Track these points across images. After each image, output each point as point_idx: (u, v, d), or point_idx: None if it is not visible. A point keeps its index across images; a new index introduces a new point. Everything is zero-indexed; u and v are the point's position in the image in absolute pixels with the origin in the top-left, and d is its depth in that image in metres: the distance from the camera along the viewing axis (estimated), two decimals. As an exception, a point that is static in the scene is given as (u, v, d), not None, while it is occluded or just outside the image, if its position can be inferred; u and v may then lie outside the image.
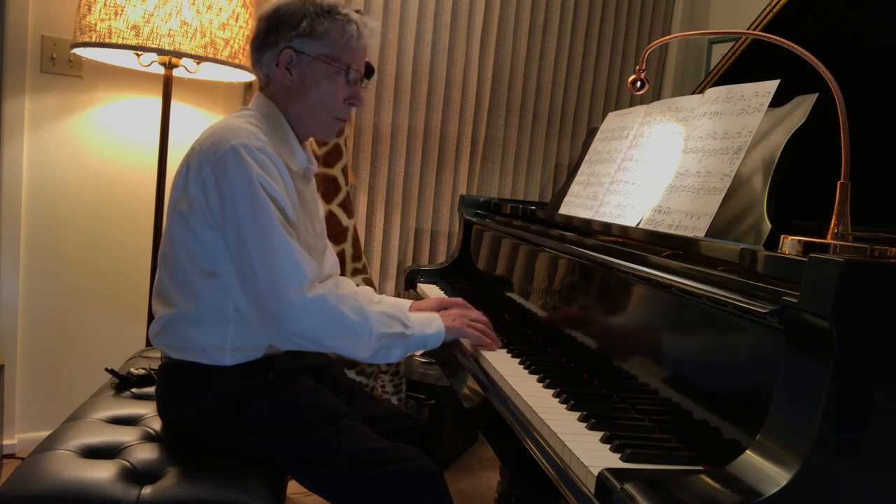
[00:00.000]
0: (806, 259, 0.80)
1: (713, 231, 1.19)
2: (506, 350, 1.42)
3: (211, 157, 1.23)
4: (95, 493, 1.14)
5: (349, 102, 1.40)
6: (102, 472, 1.18)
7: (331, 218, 2.13)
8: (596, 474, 0.85)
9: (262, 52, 1.37)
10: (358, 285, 1.68)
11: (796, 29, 1.56)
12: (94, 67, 2.32)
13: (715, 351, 0.98)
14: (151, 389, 1.53)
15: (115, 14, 1.93)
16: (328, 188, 2.14)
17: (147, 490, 1.16)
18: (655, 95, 3.24)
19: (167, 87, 2.18)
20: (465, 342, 1.49)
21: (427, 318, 1.39)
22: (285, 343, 1.26)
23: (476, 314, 1.47)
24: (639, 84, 1.32)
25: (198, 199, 1.24)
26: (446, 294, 1.97)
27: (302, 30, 1.34)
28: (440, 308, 1.56)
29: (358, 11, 1.42)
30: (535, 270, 1.63)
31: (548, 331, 1.52)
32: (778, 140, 1.18)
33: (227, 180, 1.22)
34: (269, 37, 1.36)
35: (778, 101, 1.23)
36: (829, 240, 0.93)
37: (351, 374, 2.16)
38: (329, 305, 1.24)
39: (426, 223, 2.90)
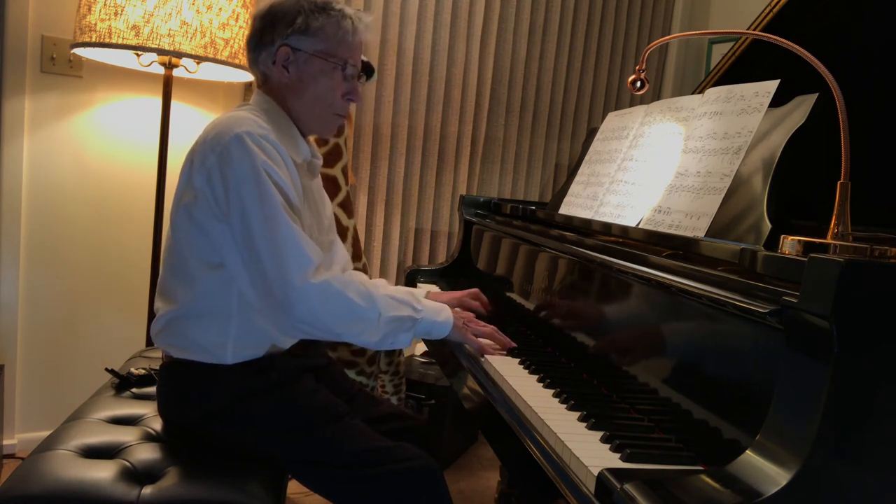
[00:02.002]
0: (806, 259, 0.80)
1: (713, 231, 1.19)
2: (506, 350, 1.42)
3: (215, 146, 1.23)
4: (95, 493, 1.14)
5: (347, 98, 1.40)
6: (102, 472, 1.18)
7: (331, 218, 2.13)
8: (596, 474, 0.85)
9: (259, 51, 1.38)
10: None
11: (796, 29, 1.56)
12: (94, 67, 2.32)
13: (715, 351, 0.98)
14: (152, 389, 1.53)
15: (115, 14, 1.93)
16: (328, 188, 2.14)
17: (147, 490, 1.16)
18: (655, 95, 3.24)
19: (167, 87, 2.18)
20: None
21: (439, 307, 1.40)
22: (294, 331, 1.26)
23: (483, 329, 1.44)
24: (639, 84, 1.32)
25: (203, 190, 1.24)
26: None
27: (297, 27, 1.34)
28: (459, 302, 1.59)
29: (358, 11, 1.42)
30: (535, 270, 1.63)
31: (548, 331, 1.52)
32: (778, 140, 1.18)
33: (231, 168, 1.22)
34: (265, 35, 1.36)
35: (778, 101, 1.24)
36: (829, 240, 0.93)
37: (351, 374, 2.16)
38: (335, 290, 1.23)
39: (426, 223, 2.90)
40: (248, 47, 1.40)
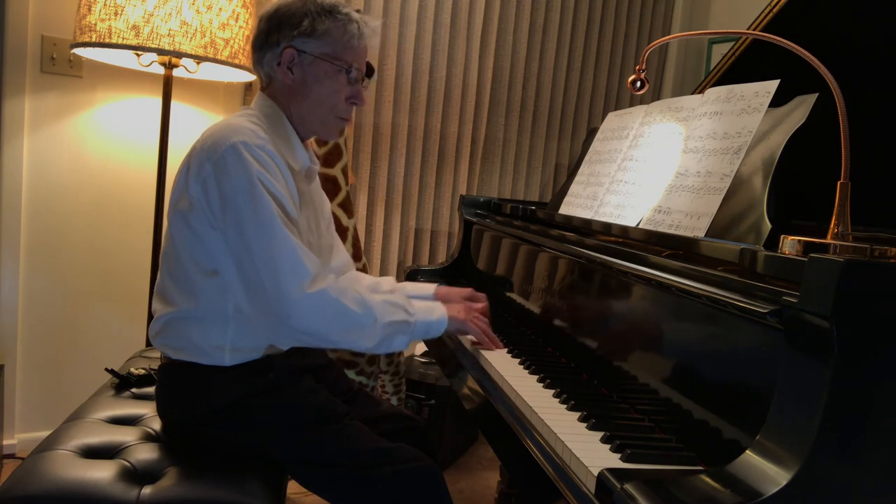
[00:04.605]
0: (806, 259, 0.80)
1: (713, 231, 1.19)
2: (506, 350, 1.42)
3: (211, 155, 1.23)
4: (95, 493, 1.14)
5: (351, 101, 1.40)
6: (102, 472, 1.18)
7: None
8: (596, 474, 0.85)
9: (264, 52, 1.38)
10: None
11: (796, 29, 1.56)
12: (94, 67, 2.32)
13: (715, 351, 0.98)
14: (151, 389, 1.53)
15: (115, 14, 1.93)
16: (328, 188, 2.14)
17: (147, 490, 1.16)
18: (655, 95, 3.24)
19: (167, 87, 2.18)
20: (466, 341, 1.49)
21: (430, 306, 1.40)
22: (289, 340, 1.26)
23: (481, 305, 1.50)
24: (639, 84, 1.32)
25: (198, 198, 1.24)
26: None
27: (303, 29, 1.34)
28: (471, 297, 1.59)
29: (358, 11, 1.42)
30: (535, 270, 1.63)
31: (548, 331, 1.52)
32: (778, 140, 1.18)
33: (227, 178, 1.22)
34: (271, 36, 1.36)
35: (778, 101, 1.23)
36: (829, 240, 0.93)
37: (351, 374, 2.16)
38: (331, 299, 1.23)
39: (426, 223, 2.90)
40: (253, 48, 1.40)
